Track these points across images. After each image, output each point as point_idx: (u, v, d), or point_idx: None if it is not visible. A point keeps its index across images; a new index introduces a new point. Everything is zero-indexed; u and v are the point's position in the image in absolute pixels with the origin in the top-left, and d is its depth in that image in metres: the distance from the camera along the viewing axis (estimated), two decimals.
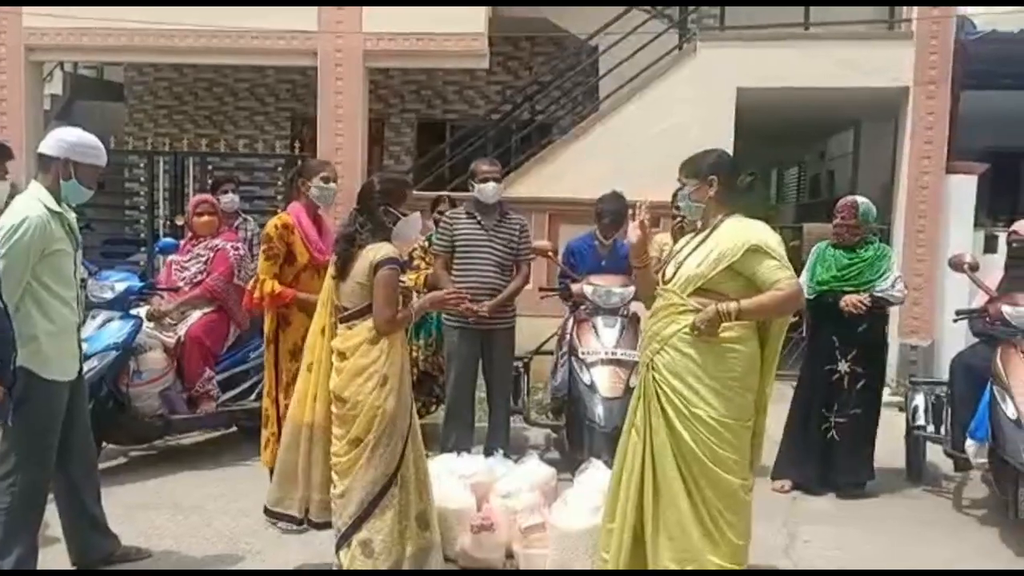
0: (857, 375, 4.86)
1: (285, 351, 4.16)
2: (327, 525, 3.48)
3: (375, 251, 3.36)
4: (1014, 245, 4.84)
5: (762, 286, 3.13)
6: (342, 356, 3.37)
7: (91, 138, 3.49)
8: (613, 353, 4.82)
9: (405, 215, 3.49)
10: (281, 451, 3.64)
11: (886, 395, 7.59)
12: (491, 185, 4.91)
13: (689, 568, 3.10)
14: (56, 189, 3.37)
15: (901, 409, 5.83)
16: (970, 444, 4.57)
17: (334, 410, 3.39)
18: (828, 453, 4.90)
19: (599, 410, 4.66)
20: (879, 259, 4.89)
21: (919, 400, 5.28)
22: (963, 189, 7.91)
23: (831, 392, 4.87)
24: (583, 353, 4.91)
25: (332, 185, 4.28)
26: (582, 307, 5.16)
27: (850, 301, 4.71)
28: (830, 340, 4.81)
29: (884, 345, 5.19)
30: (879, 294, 4.80)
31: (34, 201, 3.30)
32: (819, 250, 5.01)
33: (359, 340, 3.34)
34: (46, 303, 3.30)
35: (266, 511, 3.64)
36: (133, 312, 5.08)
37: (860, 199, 5.02)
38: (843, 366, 4.85)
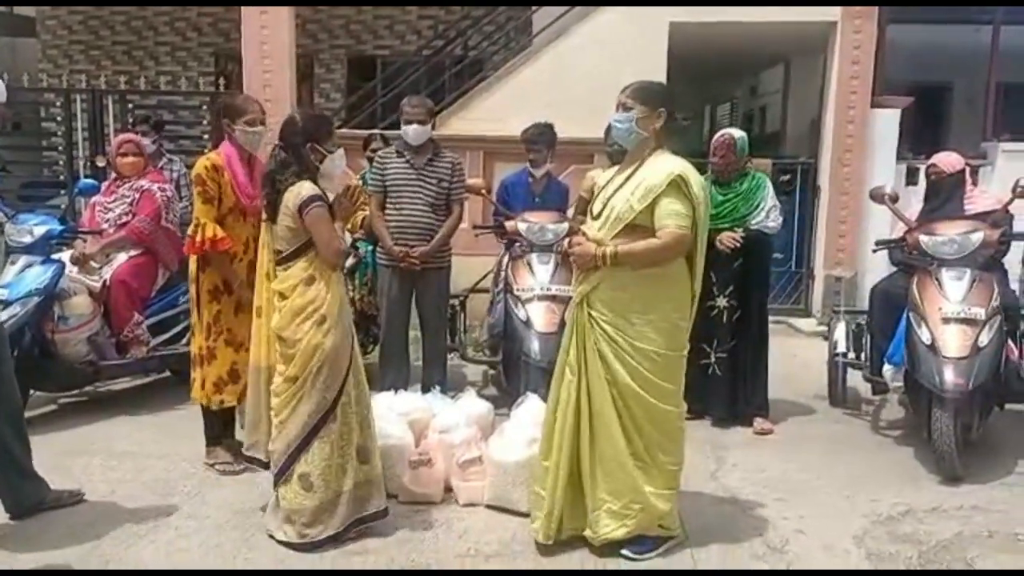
0: (734, 309, 4.92)
1: (204, 291, 4.08)
2: None
3: (296, 192, 3.33)
4: (932, 177, 4.96)
5: (654, 223, 3.16)
6: (282, 296, 3.39)
7: None
8: (548, 289, 4.86)
9: (331, 152, 3.46)
10: (248, 395, 3.66)
11: (812, 324, 7.94)
12: (413, 127, 4.83)
13: (625, 499, 3.23)
14: None
15: (825, 338, 6.05)
16: (887, 369, 4.78)
17: (276, 348, 3.42)
18: (715, 386, 4.96)
19: (535, 345, 4.72)
20: (754, 191, 4.88)
21: (840, 328, 5.47)
22: (887, 123, 8.09)
23: (710, 327, 4.86)
24: (518, 290, 4.95)
25: (259, 128, 4.10)
26: (517, 244, 5.19)
27: (724, 240, 4.75)
28: (708, 277, 4.63)
29: (764, 278, 5.19)
30: (754, 227, 4.84)
31: None
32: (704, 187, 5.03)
33: (295, 281, 3.35)
34: None
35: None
36: (55, 256, 4.94)
37: (736, 133, 4.96)
38: (721, 301, 4.90)
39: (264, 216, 3.49)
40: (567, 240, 3.50)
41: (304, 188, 3.34)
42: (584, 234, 3.31)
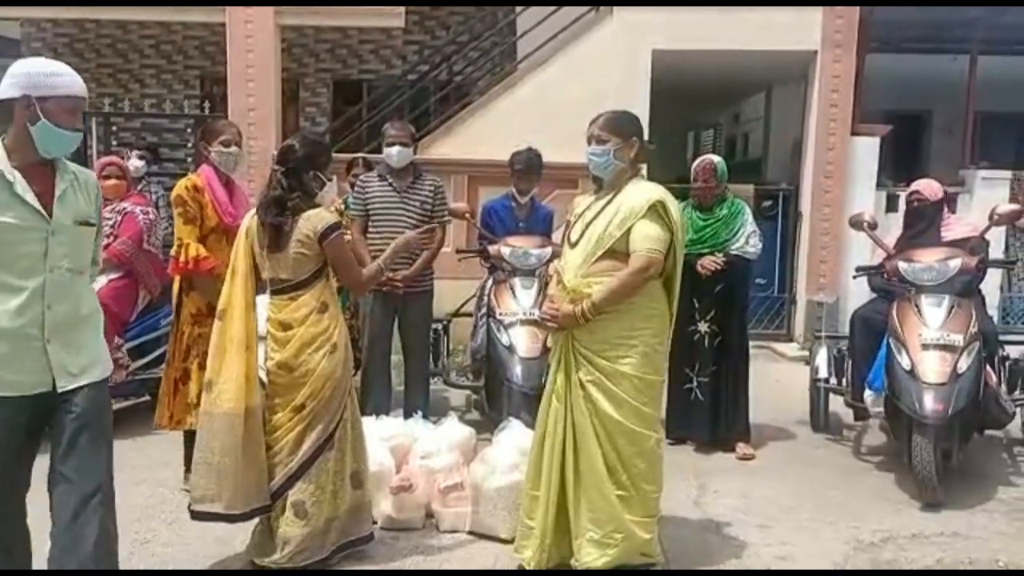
0: (716, 334, 4.94)
1: (187, 315, 4.07)
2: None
3: (314, 219, 3.29)
4: (914, 204, 4.99)
5: (629, 248, 3.21)
6: (284, 327, 3.33)
7: (52, 63, 2.64)
8: (531, 314, 4.85)
9: (330, 179, 3.48)
10: (215, 443, 3.29)
11: (794, 349, 7.98)
12: (396, 149, 4.85)
13: (607, 528, 3.22)
14: (23, 141, 2.54)
15: (807, 363, 6.08)
16: (868, 394, 4.82)
17: (275, 379, 3.35)
18: (697, 411, 4.98)
19: (517, 370, 4.73)
20: (734, 216, 4.93)
21: (822, 353, 5.50)
22: (867, 150, 8.20)
23: (692, 352, 4.92)
24: (501, 314, 4.96)
25: (233, 149, 4.13)
26: (500, 269, 5.19)
27: (705, 264, 4.79)
28: (690, 302, 4.75)
29: (745, 303, 5.21)
30: (735, 252, 4.87)
31: None
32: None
33: (307, 311, 3.31)
34: None
35: (195, 514, 3.38)
36: None
37: (716, 159, 5.04)
38: (703, 326, 4.93)
39: (264, 243, 3.32)
40: (541, 310, 3.55)
41: (323, 215, 3.32)
42: (558, 275, 3.35)
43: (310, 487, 3.30)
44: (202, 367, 4.02)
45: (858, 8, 8.01)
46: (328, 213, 3.37)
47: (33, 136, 2.53)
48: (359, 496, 3.45)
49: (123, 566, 3.40)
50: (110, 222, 5.25)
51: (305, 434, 3.31)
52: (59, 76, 2.58)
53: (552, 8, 8.51)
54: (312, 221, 3.28)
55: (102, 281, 5.14)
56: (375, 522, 3.72)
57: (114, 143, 7.72)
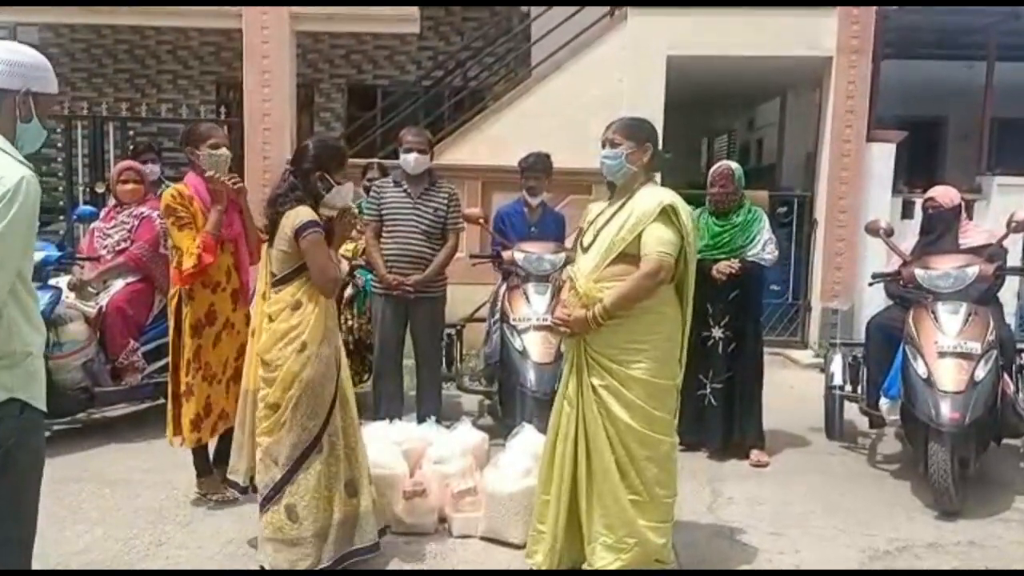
0: (730, 340, 4.92)
1: (188, 327, 4.01)
2: None
3: (293, 216, 3.32)
4: (929, 211, 4.97)
5: (641, 251, 3.21)
6: (271, 319, 3.38)
7: (40, 56, 2.32)
8: (544, 319, 4.85)
9: (340, 183, 3.48)
10: (236, 417, 3.69)
11: (808, 356, 7.93)
12: (413, 155, 4.87)
13: (620, 533, 3.22)
14: (8, 134, 2.21)
15: (822, 370, 6.05)
16: (884, 402, 4.77)
17: (260, 372, 3.39)
18: (711, 418, 4.95)
19: (531, 376, 4.72)
20: (750, 223, 4.91)
21: (837, 361, 5.45)
22: (882, 157, 8.15)
23: (706, 358, 4.88)
24: (514, 320, 4.95)
25: (223, 151, 4.03)
26: (513, 274, 5.20)
27: (720, 268, 4.76)
28: (704, 307, 4.69)
29: (759, 309, 5.18)
30: (751, 258, 4.85)
31: (5, 156, 2.14)
32: (694, 218, 5.05)
33: (282, 306, 3.35)
34: (26, 302, 2.17)
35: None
36: (52, 282, 4.94)
37: (733, 165, 5.04)
38: (717, 332, 4.91)
39: (264, 236, 3.52)
40: (552, 316, 3.55)
41: (301, 213, 3.33)
42: (571, 280, 3.34)
43: (300, 490, 3.28)
44: (204, 378, 4.01)
45: (873, 14, 7.97)
46: (308, 211, 3.34)
47: (16, 132, 2.22)
48: (355, 505, 3.39)
49: (135, 567, 3.44)
50: (127, 226, 5.31)
51: (284, 435, 3.28)
52: (51, 71, 2.33)
53: (566, 14, 8.52)
54: (291, 218, 3.32)
55: (119, 284, 5.21)
56: (388, 526, 3.67)
57: (131, 147, 7.76)
